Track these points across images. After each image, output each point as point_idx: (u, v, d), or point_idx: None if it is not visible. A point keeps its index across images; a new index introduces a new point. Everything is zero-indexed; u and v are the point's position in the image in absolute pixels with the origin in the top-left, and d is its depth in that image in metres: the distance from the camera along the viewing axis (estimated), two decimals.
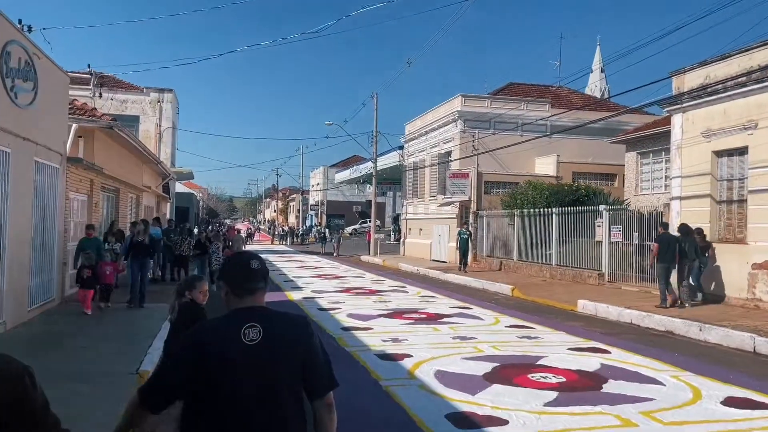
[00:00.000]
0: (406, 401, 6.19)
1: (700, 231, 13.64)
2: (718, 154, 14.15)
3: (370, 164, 40.01)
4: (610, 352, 8.75)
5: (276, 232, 60.50)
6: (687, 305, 12.89)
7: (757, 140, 13.02)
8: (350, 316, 12.01)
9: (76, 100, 15.38)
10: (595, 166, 27.32)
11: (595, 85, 65.28)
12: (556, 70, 59.87)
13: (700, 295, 13.49)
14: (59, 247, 11.91)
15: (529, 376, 7.19)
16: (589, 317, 12.77)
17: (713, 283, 13.76)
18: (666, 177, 21.45)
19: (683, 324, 10.88)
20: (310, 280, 20.11)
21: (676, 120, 15.30)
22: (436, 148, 30.62)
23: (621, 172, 25.25)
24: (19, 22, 13.90)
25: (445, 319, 11.67)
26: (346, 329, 10.45)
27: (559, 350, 8.83)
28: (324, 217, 65.60)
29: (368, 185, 49.38)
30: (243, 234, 38.76)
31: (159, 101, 31.66)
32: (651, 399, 6.33)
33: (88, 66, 19.32)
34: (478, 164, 26.19)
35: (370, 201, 41.92)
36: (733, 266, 13.30)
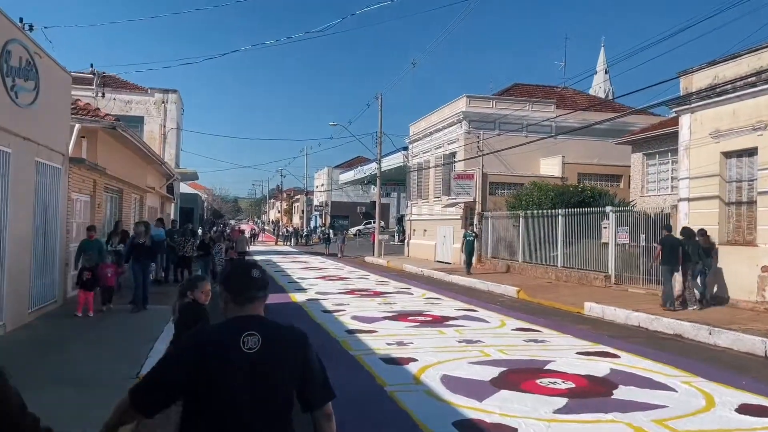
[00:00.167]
0: (412, 407, 6.06)
1: (703, 232, 13.55)
2: (727, 155, 13.96)
3: (374, 165, 39.88)
4: (619, 357, 8.59)
5: (280, 233, 60.44)
6: (691, 307, 12.76)
7: (767, 141, 12.84)
8: (354, 318, 11.87)
9: (79, 100, 15.29)
10: (600, 167, 27.12)
11: (599, 87, 65.10)
12: (561, 71, 59.61)
13: (705, 297, 13.37)
14: (61, 249, 11.80)
15: (538, 381, 7.04)
16: (596, 320, 12.61)
17: (720, 286, 13.60)
18: (672, 178, 21.29)
19: (692, 327, 10.71)
20: (314, 281, 19.98)
21: (684, 121, 15.12)
22: (440, 149, 30.47)
23: (627, 174, 25.06)
24: (20, 21, 13.82)
25: (451, 322, 11.53)
26: (351, 332, 10.32)
27: (567, 354, 8.67)
28: (328, 217, 65.52)
29: (372, 186, 49.26)
30: (247, 234, 38.69)
31: (163, 102, 31.61)
32: (663, 406, 6.17)
33: (91, 66, 19.30)
34: (482, 165, 26.03)
35: (375, 202, 41.79)
36: (742, 269, 13.11)
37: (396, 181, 46.97)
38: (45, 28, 18.25)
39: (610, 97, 52.17)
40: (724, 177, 13.98)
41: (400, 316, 12.13)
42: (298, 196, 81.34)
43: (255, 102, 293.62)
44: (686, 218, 14.65)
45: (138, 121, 30.04)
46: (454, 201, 26.82)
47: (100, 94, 20.66)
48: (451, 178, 26.81)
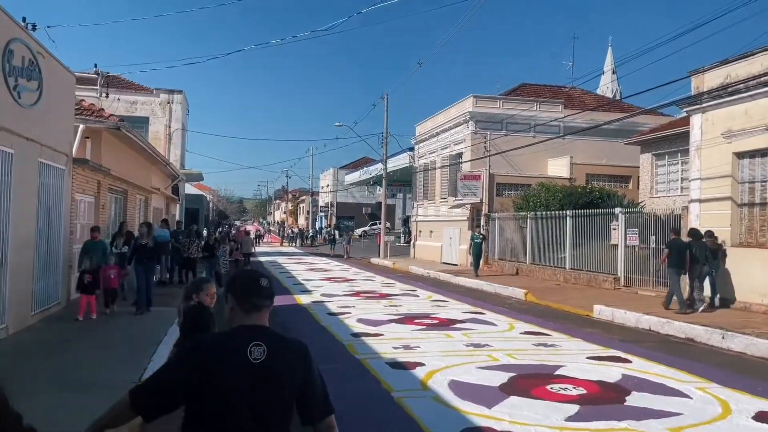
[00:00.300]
0: (420, 414, 5.90)
1: (710, 234, 13.40)
2: (740, 155, 13.74)
3: (380, 166, 39.74)
4: (631, 362, 8.40)
5: (285, 234, 60.38)
6: (699, 307, 12.69)
7: None
8: (360, 321, 11.72)
9: (84, 100, 15.22)
10: (609, 167, 26.88)
11: (606, 87, 64.66)
12: (568, 71, 59.26)
13: (714, 300, 13.26)
14: (65, 250, 11.70)
15: (548, 387, 6.87)
16: (606, 323, 12.41)
17: (728, 288, 13.41)
18: (682, 179, 21.06)
19: (705, 331, 10.51)
20: (320, 282, 19.85)
21: (696, 120, 14.91)
22: (447, 150, 30.29)
23: (635, 174, 24.81)
24: (23, 20, 13.73)
25: (458, 325, 11.36)
26: (356, 335, 10.16)
27: (577, 359, 8.49)
28: (334, 218, 65.41)
29: (378, 187, 49.11)
30: (252, 235, 38.59)
31: (169, 102, 31.58)
32: (678, 414, 5.99)
33: (95, 66, 19.18)
34: (489, 166, 25.84)
35: (380, 203, 41.64)
36: (755, 271, 12.89)
37: (402, 182, 46.80)
38: (48, 27, 18.16)
39: (618, 97, 51.84)
40: (736, 178, 13.76)
41: (407, 319, 11.98)
42: (304, 197, 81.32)
43: (259, 102, 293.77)
44: (697, 219, 14.44)
45: (143, 122, 30.02)
46: (461, 202, 26.64)
47: (104, 95, 20.55)
48: (457, 179, 26.62)
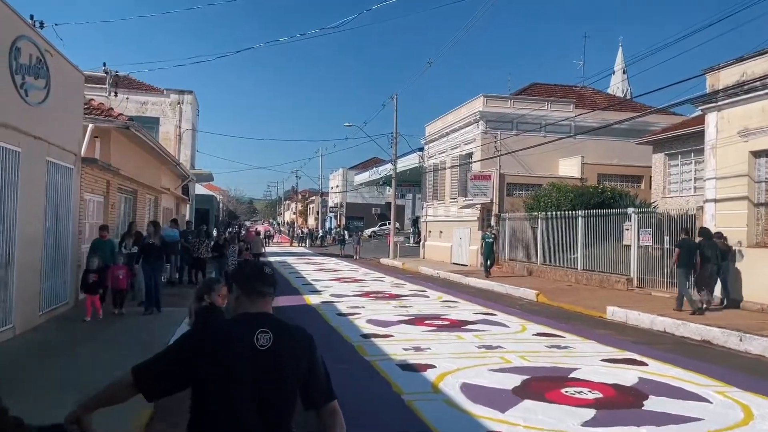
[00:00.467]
0: (431, 418, 5.75)
1: (719, 235, 13.32)
2: (756, 154, 13.49)
3: (389, 166, 39.60)
4: (647, 364, 8.21)
5: (295, 234, 60.37)
6: (707, 302, 12.62)
7: None
8: (370, 322, 11.58)
9: (93, 100, 15.19)
10: (620, 167, 26.59)
11: (617, 87, 64.27)
12: (579, 70, 58.84)
13: (725, 300, 13.17)
14: (73, 250, 11.64)
15: (563, 390, 6.70)
16: (620, 325, 12.20)
17: (737, 289, 13.22)
18: (696, 179, 20.79)
19: (722, 333, 10.29)
20: (329, 283, 19.73)
21: (711, 119, 14.66)
22: (457, 150, 30.11)
23: (648, 174, 24.52)
24: (31, 17, 13.70)
25: (469, 326, 11.19)
26: (366, 336, 10.02)
27: (592, 362, 8.31)
28: (343, 219, 65.34)
29: (387, 187, 48.97)
30: (262, 236, 38.56)
31: (179, 103, 31.61)
32: (698, 419, 5.81)
33: (104, 65, 19.14)
34: (500, 166, 25.64)
35: (390, 203, 41.50)
36: None
37: (411, 182, 46.64)
38: (56, 25, 18.08)
39: (629, 97, 51.44)
40: (752, 177, 13.51)
41: (417, 320, 11.82)
42: (313, 198, 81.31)
43: (268, 102, 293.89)
44: (712, 220, 14.19)
45: (153, 122, 30.05)
46: (471, 202, 26.44)
47: (112, 94, 20.53)
48: (467, 179, 26.43)
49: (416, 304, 14.58)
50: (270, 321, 2.31)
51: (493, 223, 24.89)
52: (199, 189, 41.45)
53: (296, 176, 79.35)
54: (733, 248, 13.47)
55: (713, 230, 13.53)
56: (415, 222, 47.51)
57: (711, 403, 6.41)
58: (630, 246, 17.18)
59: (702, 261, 12.66)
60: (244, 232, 39.34)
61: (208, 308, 4.68)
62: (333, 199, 72.07)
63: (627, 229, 17.37)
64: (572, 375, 7.46)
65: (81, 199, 12.36)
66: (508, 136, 26.27)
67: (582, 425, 5.55)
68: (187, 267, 18.01)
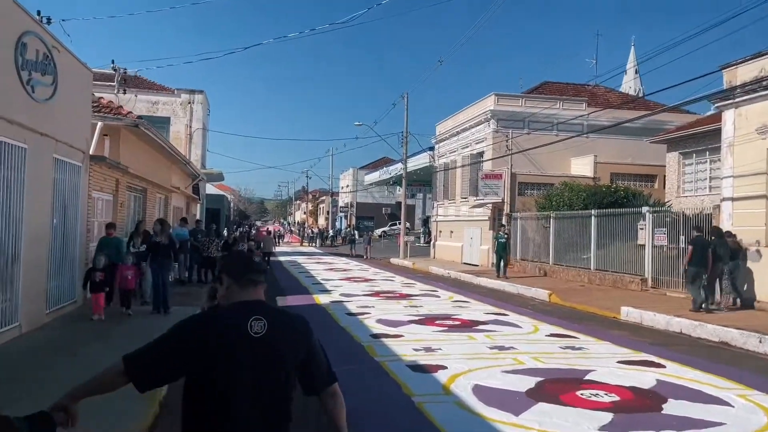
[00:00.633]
0: (442, 421, 5.57)
1: (729, 234, 13.21)
2: None
3: (399, 166, 39.42)
4: (664, 366, 7.98)
5: (305, 234, 60.36)
6: (723, 309, 12.55)
7: None
8: (379, 321, 11.41)
9: (102, 98, 15.14)
10: (634, 166, 26.28)
11: (629, 86, 63.75)
12: (591, 68, 58.33)
13: (737, 300, 13.03)
14: (81, 248, 11.56)
15: (578, 393, 6.49)
16: (635, 326, 11.96)
17: (762, 289, 12.97)
18: (711, 178, 20.48)
19: (740, 335, 10.03)
20: (339, 282, 19.58)
21: (728, 116, 14.37)
22: (467, 149, 29.88)
23: (662, 173, 24.22)
24: (38, 13, 13.65)
25: (481, 327, 10.99)
26: (376, 336, 9.85)
27: (607, 363, 8.09)
28: (353, 219, 65.25)
29: (398, 187, 48.79)
30: (272, 235, 38.54)
31: (190, 102, 31.63)
32: (720, 423, 5.59)
33: (112, 62, 19.09)
34: (511, 165, 25.39)
35: (400, 203, 41.33)
36: None
37: (422, 181, 46.45)
38: (63, 21, 18.07)
39: (641, 96, 50.95)
40: None
41: (427, 320, 11.64)
42: (324, 198, 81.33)
43: (278, 100, 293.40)
44: (729, 219, 13.91)
45: (165, 122, 30.10)
46: (482, 201, 26.21)
47: (121, 92, 20.49)
48: (478, 178, 26.21)
49: (427, 303, 14.40)
50: (264, 308, 2.28)
51: (504, 222, 24.64)
52: (210, 189, 41.47)
53: (307, 176, 79.57)
54: (745, 247, 13.33)
55: (731, 229, 13.30)
56: (426, 222, 47.30)
57: (732, 407, 6.19)
58: (644, 246, 16.90)
59: (714, 260, 12.56)
60: (254, 232, 39.42)
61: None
62: (343, 199, 72.01)
63: (641, 229, 17.09)
64: (587, 377, 7.25)
65: (89, 197, 12.28)
66: (519, 134, 26.03)
67: (599, 429, 5.35)
68: (196, 266, 17.95)
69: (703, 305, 12.40)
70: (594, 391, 6.56)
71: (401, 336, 9.91)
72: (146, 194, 17.92)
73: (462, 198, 30.07)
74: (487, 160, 26.78)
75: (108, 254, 10.36)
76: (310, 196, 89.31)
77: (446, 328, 10.77)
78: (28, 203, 8.75)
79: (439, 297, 16.05)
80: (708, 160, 20.66)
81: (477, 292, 17.65)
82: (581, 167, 26.42)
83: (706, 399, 6.43)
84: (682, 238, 15.71)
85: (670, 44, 19.40)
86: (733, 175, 14.02)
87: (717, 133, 19.82)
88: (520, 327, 11.18)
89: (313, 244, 53.33)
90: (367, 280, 20.53)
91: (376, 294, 16.29)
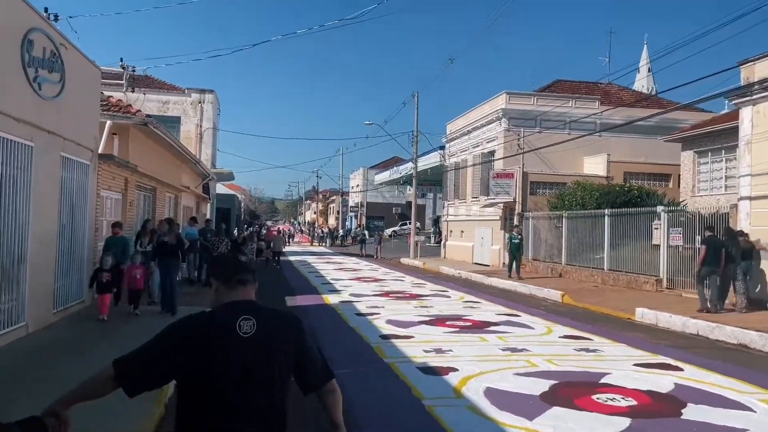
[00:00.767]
0: (453, 425, 5.41)
1: (741, 233, 13.04)
2: None
3: (410, 165, 39.23)
4: (682, 370, 7.76)
5: (315, 234, 60.31)
6: (742, 311, 12.30)
7: None
8: (389, 322, 11.25)
9: (111, 96, 15.09)
10: (648, 165, 25.94)
11: (641, 84, 63.21)
12: (604, 67, 57.76)
13: (748, 300, 12.76)
14: (89, 247, 11.48)
15: (594, 397, 6.29)
16: (650, 327, 11.72)
17: (762, 289, 12.71)
18: (727, 177, 20.15)
19: (759, 337, 9.77)
20: (349, 282, 19.44)
21: (746, 113, 14.07)
22: (478, 148, 29.65)
23: (676, 172, 23.89)
24: (45, 10, 13.59)
25: (492, 328, 10.80)
26: (385, 337, 9.69)
27: (623, 366, 7.88)
28: (363, 218, 65.12)
29: (408, 186, 48.58)
30: (282, 234, 38.49)
31: (200, 102, 31.60)
32: (743, 429, 5.38)
33: (121, 60, 19.07)
34: (523, 164, 25.14)
35: (410, 202, 41.14)
36: None
37: (432, 181, 46.20)
38: (70, 18, 18.08)
39: (654, 94, 50.41)
40: None
41: (438, 321, 11.47)
42: (334, 197, 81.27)
43: (288, 99, 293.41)
44: (747, 218, 13.63)
45: (175, 122, 30.10)
46: (493, 201, 25.98)
47: (129, 90, 20.46)
48: (489, 178, 25.98)
49: (437, 304, 14.22)
50: (253, 307, 2.26)
51: (516, 222, 24.39)
52: (221, 188, 41.46)
53: (317, 176, 79.44)
54: (760, 247, 13.12)
55: (749, 229, 13.04)
56: (436, 221, 47.09)
57: (755, 412, 5.97)
58: (659, 246, 16.62)
59: (726, 260, 12.40)
60: (264, 231, 39.41)
61: None
62: (354, 199, 71.91)
63: (656, 229, 16.82)
64: (603, 380, 7.05)
65: (98, 196, 12.22)
66: (531, 133, 25.77)
67: None
68: (206, 265, 17.86)
69: (714, 305, 12.25)
70: (610, 395, 6.36)
71: (411, 337, 9.74)
72: (156, 193, 17.88)
73: (473, 197, 29.85)
74: (499, 159, 26.54)
75: (114, 254, 10.24)
76: (321, 196, 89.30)
77: (457, 329, 10.59)
78: (35, 202, 8.67)
79: (449, 297, 15.87)
80: (723, 158, 20.34)
81: (488, 292, 17.44)
82: (594, 166, 26.12)
83: (726, 404, 6.22)
84: (697, 238, 15.40)
85: (683, 42, 19.12)
86: (751, 173, 13.73)
87: (733, 131, 19.49)
88: (533, 328, 10.98)
89: (323, 244, 53.27)
90: (377, 280, 20.38)
91: (386, 294, 16.13)
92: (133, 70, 20.28)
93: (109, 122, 12.94)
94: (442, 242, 35.18)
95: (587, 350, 8.95)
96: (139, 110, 14.91)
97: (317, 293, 16.21)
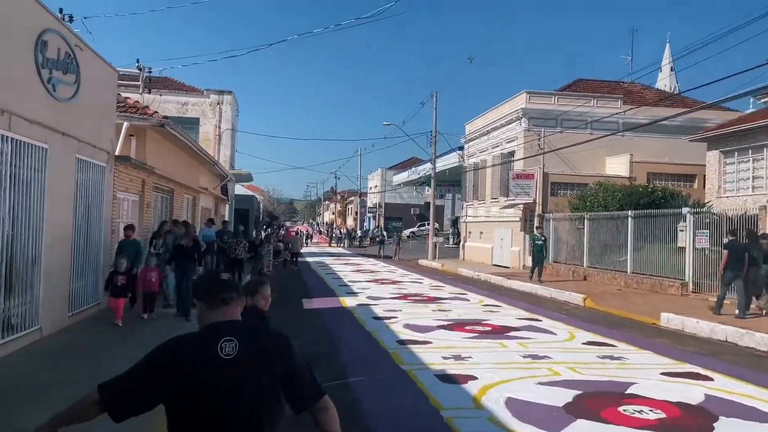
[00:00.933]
0: None
1: (765, 236, 12.74)
2: None
3: (428, 166, 38.97)
4: (712, 379, 7.43)
5: (333, 234, 60.26)
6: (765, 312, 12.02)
7: None
8: (407, 326, 11.03)
9: (129, 98, 15.08)
10: (672, 166, 25.39)
11: (664, 84, 62.20)
12: (626, 66, 56.93)
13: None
14: (105, 250, 11.42)
15: (620, 409, 6.02)
16: (676, 333, 11.35)
17: None
18: (753, 177, 19.64)
19: None
20: (366, 284, 19.25)
21: None
22: (498, 148, 29.31)
23: (701, 173, 23.37)
24: (60, 11, 13.58)
25: (513, 333, 10.53)
26: (402, 342, 9.47)
27: (650, 375, 7.58)
28: (382, 219, 64.95)
29: (426, 187, 48.29)
30: (301, 235, 38.45)
31: (219, 103, 31.68)
32: None
33: (137, 61, 19.09)
34: (543, 164, 24.75)
35: (428, 203, 40.84)
36: None
37: (451, 181, 45.85)
38: (85, 18, 18.10)
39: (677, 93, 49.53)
40: None
41: (456, 325, 11.22)
42: (352, 198, 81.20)
43: (305, 98, 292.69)
44: None
45: (194, 123, 30.21)
46: (513, 202, 25.63)
47: (146, 91, 20.47)
48: (509, 178, 25.64)
49: (456, 308, 13.97)
50: (235, 328, 2.22)
51: (536, 223, 24.01)
52: (239, 189, 41.55)
53: (335, 177, 79.45)
54: None
55: (755, 231, 12.67)
56: (455, 222, 46.75)
57: None
58: (685, 248, 16.19)
59: (748, 264, 12.05)
60: (283, 233, 39.41)
61: (251, 311, 4.28)
62: (372, 200, 71.77)
63: (681, 231, 16.39)
64: (629, 390, 6.76)
65: (114, 198, 12.17)
66: (551, 133, 25.38)
67: None
68: (223, 266, 17.79)
69: (742, 311, 11.90)
70: (638, 407, 6.08)
71: (429, 342, 9.51)
72: (173, 195, 17.85)
73: (492, 198, 29.51)
74: (519, 159, 26.19)
75: (127, 257, 10.14)
76: (339, 197, 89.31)
77: (476, 335, 10.34)
78: (50, 204, 8.61)
79: (468, 300, 15.61)
80: (751, 158, 19.83)
81: (508, 295, 17.14)
82: (616, 167, 25.64)
83: (761, 417, 5.91)
84: (725, 241, 15.00)
85: (706, 40, 18.67)
86: None
87: (761, 131, 19.01)
88: (555, 334, 10.68)
89: (341, 245, 53.18)
90: (394, 282, 20.17)
91: (404, 297, 15.91)
92: (150, 71, 20.27)
93: (126, 124, 12.89)
94: (461, 243, 34.87)
95: (612, 358, 8.65)
96: (156, 111, 14.85)
97: (334, 296, 16.04)
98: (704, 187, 22.35)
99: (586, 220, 21.15)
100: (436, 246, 33.42)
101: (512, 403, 6.15)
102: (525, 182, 24.75)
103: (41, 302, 8.44)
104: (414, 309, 13.62)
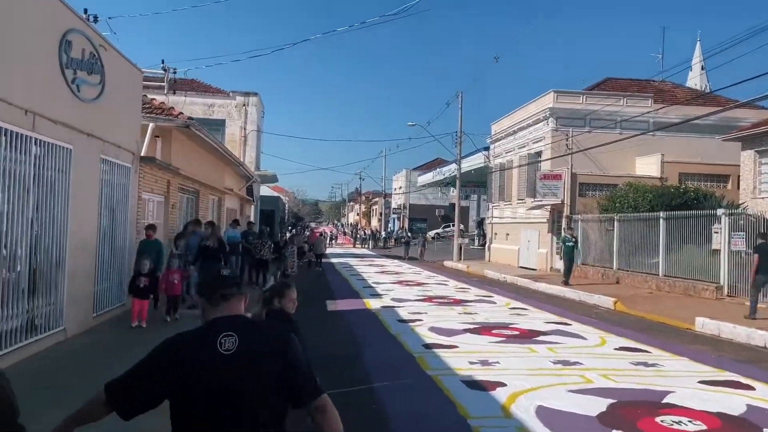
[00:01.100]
0: None
1: None
2: None
3: (453, 166, 38.65)
4: (754, 388, 7.09)
5: (357, 235, 60.21)
6: None
7: None
8: (432, 330, 10.81)
9: (155, 99, 15.13)
10: (704, 166, 24.71)
11: (694, 83, 60.92)
12: (656, 64, 55.84)
13: None
14: (130, 250, 11.41)
15: (658, 419, 5.74)
16: (712, 338, 10.95)
17: None
18: None
19: None
20: (391, 286, 19.07)
21: None
22: (525, 148, 28.89)
23: (735, 173, 22.69)
24: (85, 11, 13.65)
25: (542, 338, 10.24)
26: (428, 346, 9.26)
27: (687, 383, 7.25)
28: (406, 220, 64.73)
29: (452, 188, 47.95)
30: (325, 237, 38.44)
31: (244, 105, 31.85)
32: None
33: (162, 62, 19.16)
34: (571, 165, 24.28)
35: (453, 204, 40.50)
36: None
37: (476, 182, 45.42)
38: (109, 18, 18.18)
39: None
40: None
41: (483, 329, 10.97)
42: (377, 199, 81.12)
43: (330, 99, 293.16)
44: None
45: (220, 124, 30.44)
46: (540, 203, 25.21)
47: (171, 92, 20.56)
48: (536, 179, 25.22)
49: (482, 310, 13.71)
50: (236, 324, 2.22)
51: (564, 224, 23.57)
52: (265, 190, 41.70)
53: (360, 178, 79.36)
54: None
55: None
56: (480, 224, 46.30)
57: None
58: (719, 251, 15.70)
59: None
60: (308, 233, 39.46)
61: (278, 312, 4.18)
62: (396, 201, 71.59)
63: (716, 233, 15.89)
64: (666, 399, 6.47)
65: (139, 199, 12.18)
66: (580, 133, 24.90)
67: None
68: (248, 267, 17.79)
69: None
70: (676, 418, 5.79)
71: (455, 347, 9.29)
72: (199, 196, 17.89)
73: (519, 199, 29.10)
74: (546, 159, 25.75)
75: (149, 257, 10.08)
76: (363, 198, 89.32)
77: (504, 339, 10.08)
78: (74, 205, 8.60)
79: (495, 303, 15.32)
80: None
81: (535, 298, 16.80)
82: (647, 167, 25.06)
83: None
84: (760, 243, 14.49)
85: (737, 38, 18.11)
86: None
87: None
88: (586, 339, 10.36)
89: (365, 246, 53.09)
90: (419, 284, 19.95)
91: (429, 299, 15.69)
92: (174, 72, 20.38)
93: (151, 125, 12.93)
94: (487, 245, 34.49)
95: (646, 364, 8.33)
96: (182, 113, 14.88)
97: (358, 297, 15.89)
98: (738, 187, 21.70)
99: (615, 222, 20.68)
100: (461, 247, 33.09)
101: (543, 412, 5.91)
102: (552, 183, 24.33)
103: (65, 303, 8.44)
104: (439, 312, 13.39)
